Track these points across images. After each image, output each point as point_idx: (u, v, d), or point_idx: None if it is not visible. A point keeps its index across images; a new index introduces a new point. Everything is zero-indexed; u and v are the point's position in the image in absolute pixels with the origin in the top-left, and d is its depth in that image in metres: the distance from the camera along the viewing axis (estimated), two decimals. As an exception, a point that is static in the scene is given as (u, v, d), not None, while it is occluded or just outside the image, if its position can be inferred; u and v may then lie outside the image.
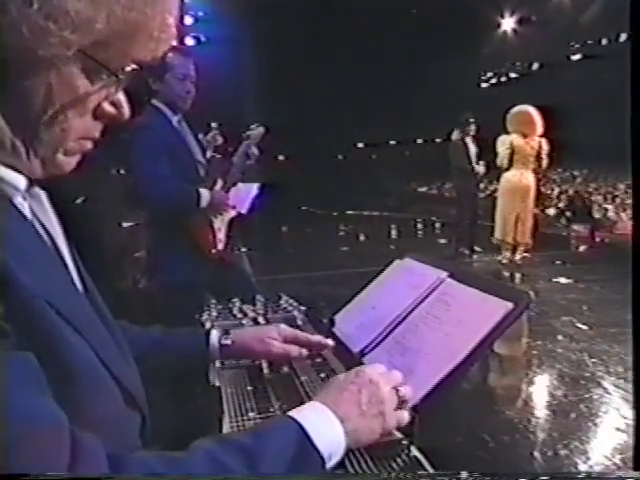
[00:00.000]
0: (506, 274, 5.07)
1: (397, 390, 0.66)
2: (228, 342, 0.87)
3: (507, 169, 5.03)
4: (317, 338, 0.92)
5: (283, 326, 0.92)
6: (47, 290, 0.48)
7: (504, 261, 5.22)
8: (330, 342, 0.92)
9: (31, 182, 0.54)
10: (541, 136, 5.00)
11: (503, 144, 5.01)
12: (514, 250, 5.15)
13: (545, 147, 4.98)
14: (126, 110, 0.56)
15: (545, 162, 5.01)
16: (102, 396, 0.52)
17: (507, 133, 5.08)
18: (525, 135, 4.92)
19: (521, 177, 4.95)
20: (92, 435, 0.45)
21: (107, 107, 0.55)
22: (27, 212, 0.54)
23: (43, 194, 0.58)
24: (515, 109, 5.03)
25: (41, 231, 0.56)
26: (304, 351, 0.90)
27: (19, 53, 0.46)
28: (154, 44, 0.53)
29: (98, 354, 0.53)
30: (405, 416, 0.65)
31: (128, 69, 0.53)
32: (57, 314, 0.48)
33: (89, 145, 0.56)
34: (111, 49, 0.50)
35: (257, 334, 0.90)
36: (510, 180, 5.00)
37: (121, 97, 0.56)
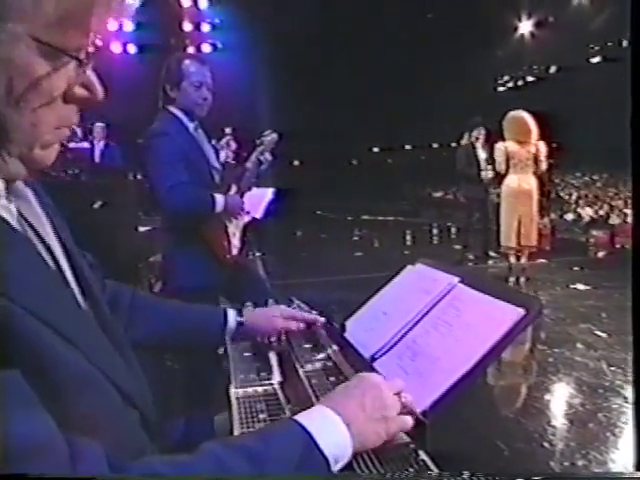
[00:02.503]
0: (512, 279, 5.02)
1: (399, 396, 0.66)
2: (243, 319, 0.99)
3: (505, 175, 5.04)
4: (311, 316, 1.06)
5: (283, 306, 1.07)
6: (36, 304, 0.47)
7: (511, 267, 5.18)
8: (322, 319, 1.05)
9: (8, 182, 0.52)
10: (539, 139, 4.98)
11: (499, 151, 5.06)
12: (518, 255, 5.10)
13: (543, 150, 4.96)
14: (99, 91, 0.54)
15: (544, 165, 4.99)
16: (100, 403, 0.52)
17: (504, 139, 5.10)
18: (520, 142, 4.90)
19: (520, 182, 4.94)
20: (91, 441, 0.45)
21: (78, 90, 0.52)
22: (14, 219, 0.52)
23: (29, 192, 0.57)
24: (509, 115, 5.01)
25: (35, 240, 0.55)
26: (302, 325, 1.04)
27: None
28: (115, 14, 0.50)
29: (95, 363, 0.52)
30: (408, 421, 0.65)
31: (91, 48, 0.49)
32: (46, 326, 0.48)
33: (67, 133, 0.53)
34: (69, 29, 0.46)
35: (264, 313, 1.04)
36: (509, 185, 5.01)
37: (92, 78, 0.53)
